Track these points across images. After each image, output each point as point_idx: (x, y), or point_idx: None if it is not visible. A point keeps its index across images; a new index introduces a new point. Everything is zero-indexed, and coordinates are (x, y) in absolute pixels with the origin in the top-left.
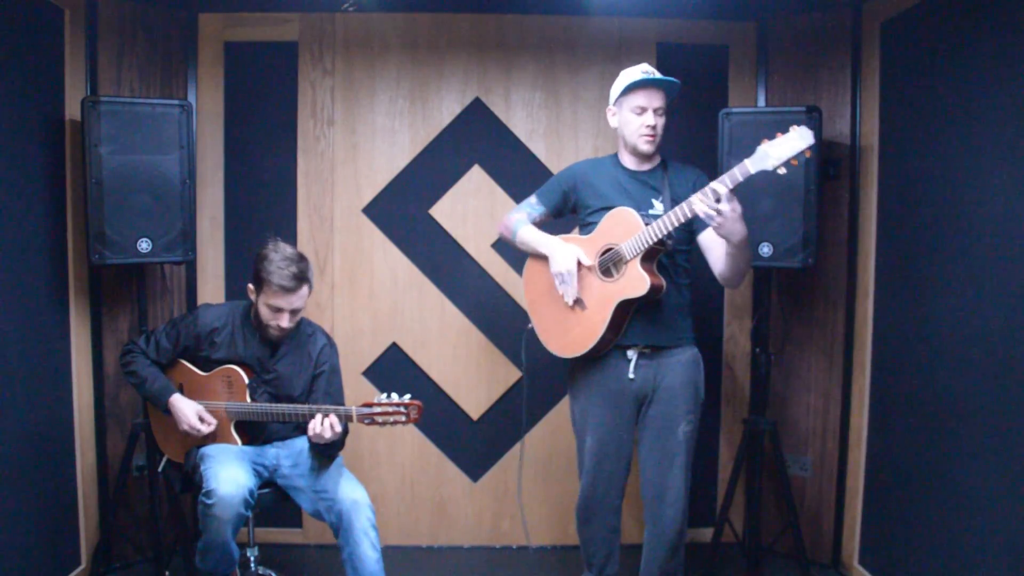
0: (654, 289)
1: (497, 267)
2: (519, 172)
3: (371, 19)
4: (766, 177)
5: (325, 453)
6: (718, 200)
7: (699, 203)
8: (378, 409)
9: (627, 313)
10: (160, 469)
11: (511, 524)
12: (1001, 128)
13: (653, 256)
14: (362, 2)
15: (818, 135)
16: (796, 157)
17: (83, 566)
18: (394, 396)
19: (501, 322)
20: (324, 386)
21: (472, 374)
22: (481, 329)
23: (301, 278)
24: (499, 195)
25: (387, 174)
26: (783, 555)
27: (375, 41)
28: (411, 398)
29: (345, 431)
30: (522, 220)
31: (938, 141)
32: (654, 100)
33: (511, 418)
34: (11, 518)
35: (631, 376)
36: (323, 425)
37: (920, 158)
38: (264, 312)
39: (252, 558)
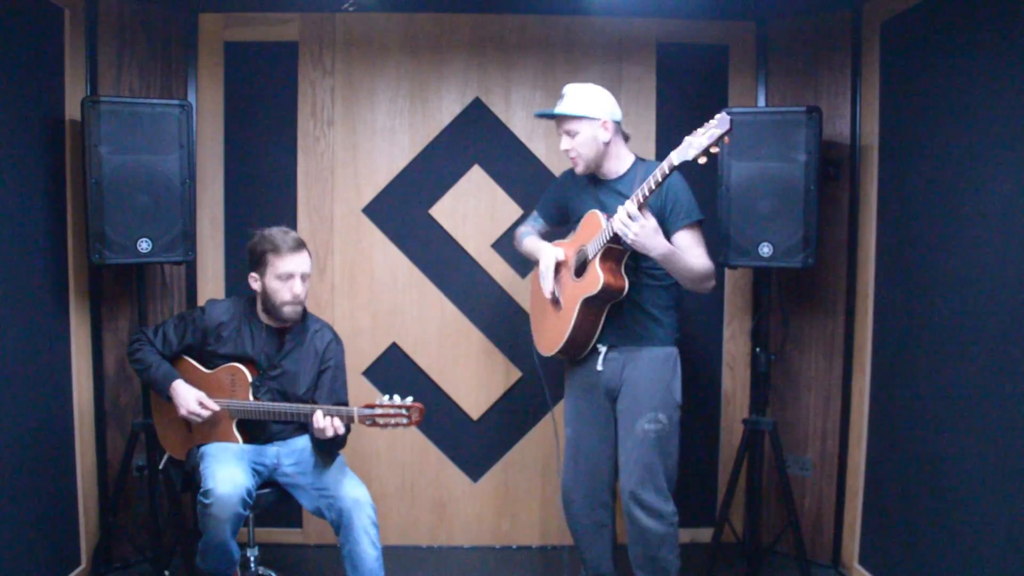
0: (607, 287)
1: (497, 267)
2: (519, 172)
3: (371, 19)
4: (766, 177)
5: (327, 450)
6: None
7: (616, 220)
8: (379, 411)
9: (597, 312)
10: (161, 467)
11: (511, 524)
12: (1001, 128)
13: (616, 256)
14: (362, 2)
15: (818, 135)
16: (716, 144)
17: (83, 566)
18: (396, 398)
19: (501, 322)
20: (329, 382)
21: (472, 374)
22: (481, 329)
23: (302, 242)
24: (499, 195)
25: (387, 174)
26: (783, 555)
27: (375, 41)
28: (413, 400)
29: (347, 430)
30: (527, 232)
31: (938, 141)
32: (559, 127)
33: (511, 418)
34: (11, 518)
35: (599, 368)
36: (325, 421)
37: (920, 158)
38: (274, 287)
39: (252, 558)
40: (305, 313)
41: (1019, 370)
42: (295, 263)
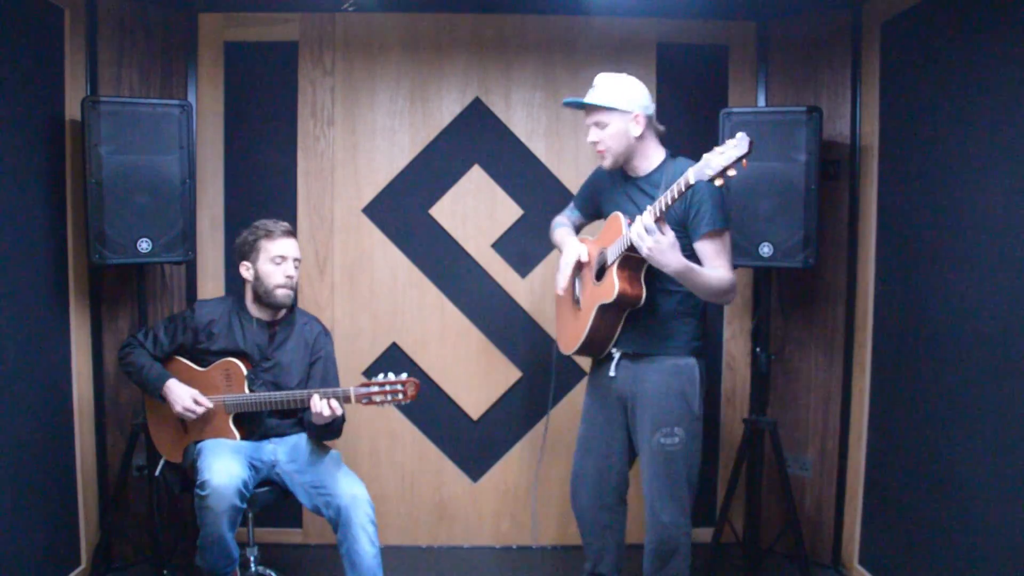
0: (622, 296)
1: (497, 267)
2: (519, 172)
3: (371, 19)
4: (766, 177)
5: (322, 436)
6: (656, 225)
7: (633, 230)
8: (375, 388)
9: (614, 317)
10: (158, 472)
11: (511, 524)
12: (1001, 128)
13: (634, 265)
14: (362, 2)
15: (818, 135)
16: (733, 166)
17: (83, 566)
18: (391, 375)
19: (501, 322)
20: (321, 372)
21: (472, 374)
22: (481, 329)
23: (292, 230)
24: (499, 195)
25: (387, 174)
26: (783, 555)
27: (375, 41)
28: (407, 376)
29: (343, 418)
30: (560, 222)
31: (938, 141)
32: (587, 118)
33: (511, 418)
34: (11, 518)
35: (612, 374)
36: (321, 404)
37: (920, 158)
38: (268, 271)
39: (252, 558)
40: (293, 306)
41: (1019, 370)
42: (288, 247)
